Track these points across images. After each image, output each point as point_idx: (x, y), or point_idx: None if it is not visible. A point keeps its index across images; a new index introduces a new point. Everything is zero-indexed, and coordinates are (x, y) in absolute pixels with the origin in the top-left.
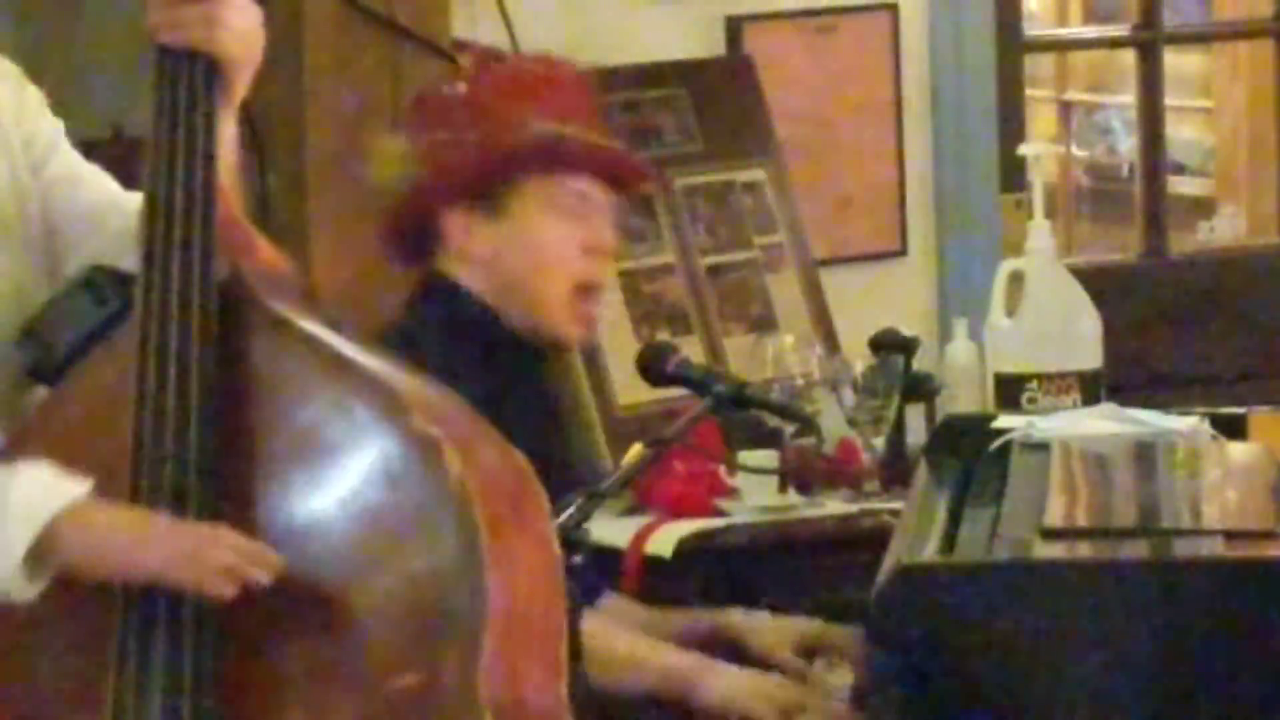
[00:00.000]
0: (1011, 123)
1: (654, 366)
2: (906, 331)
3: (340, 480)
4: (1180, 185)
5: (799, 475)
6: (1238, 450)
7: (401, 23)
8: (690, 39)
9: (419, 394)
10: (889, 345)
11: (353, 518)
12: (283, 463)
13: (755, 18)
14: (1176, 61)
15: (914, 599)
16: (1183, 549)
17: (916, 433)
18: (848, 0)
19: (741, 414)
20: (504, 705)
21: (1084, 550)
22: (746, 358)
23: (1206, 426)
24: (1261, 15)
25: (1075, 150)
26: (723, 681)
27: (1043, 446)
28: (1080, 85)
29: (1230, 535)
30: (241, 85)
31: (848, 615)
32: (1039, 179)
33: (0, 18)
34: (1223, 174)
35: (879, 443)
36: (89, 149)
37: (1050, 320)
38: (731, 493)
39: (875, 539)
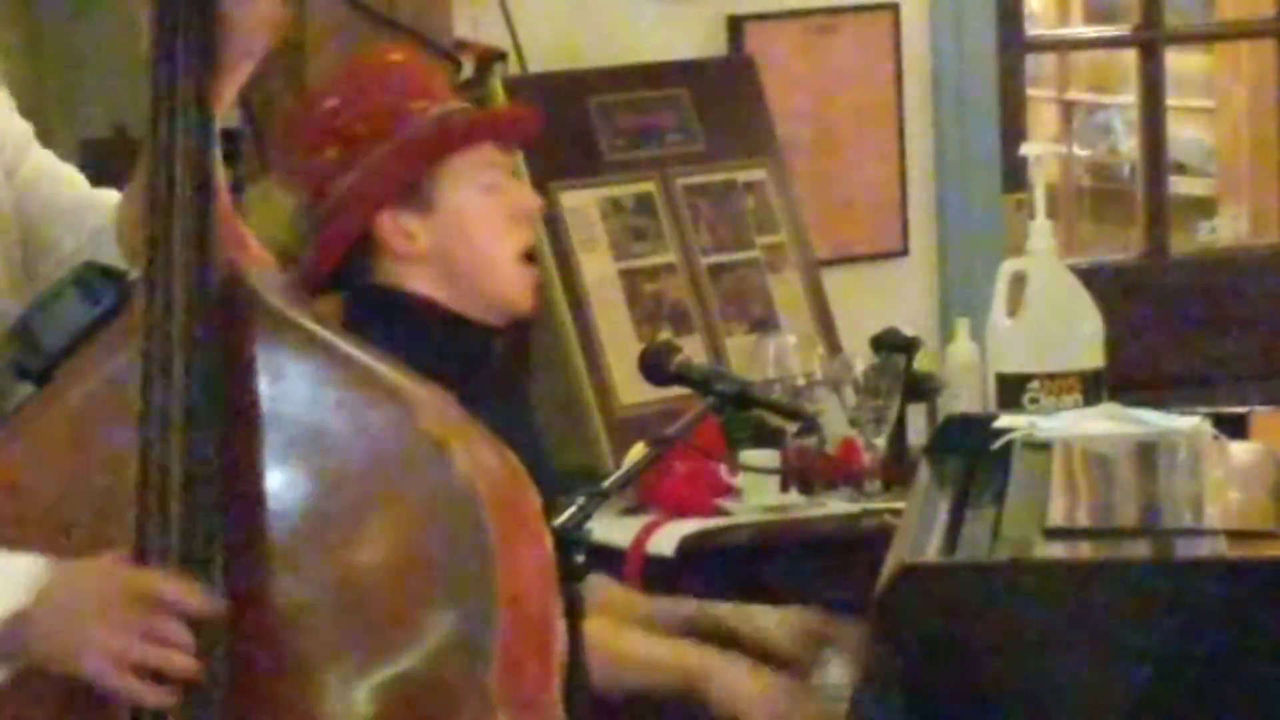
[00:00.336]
0: (1013, 123)
1: (656, 366)
2: (908, 331)
3: (349, 481)
4: (1182, 185)
5: (800, 475)
6: (1240, 450)
7: (403, 23)
8: (692, 39)
9: (421, 392)
10: (890, 345)
11: (362, 519)
12: (289, 463)
13: (757, 17)
14: (1178, 61)
15: (916, 599)
16: (1185, 549)
17: (918, 432)
18: (849, 0)
19: (743, 413)
20: (512, 702)
21: (1086, 550)
22: (748, 357)
23: (1208, 426)
24: (1263, 15)
25: (1077, 150)
26: (730, 681)
27: (1044, 446)
28: (1082, 85)
29: (1232, 535)
30: (238, 78)
31: (849, 615)
32: (1040, 179)
33: (3, 19)
34: (1224, 174)
35: (880, 442)
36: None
37: (1052, 320)
38: (733, 492)
39: (877, 539)
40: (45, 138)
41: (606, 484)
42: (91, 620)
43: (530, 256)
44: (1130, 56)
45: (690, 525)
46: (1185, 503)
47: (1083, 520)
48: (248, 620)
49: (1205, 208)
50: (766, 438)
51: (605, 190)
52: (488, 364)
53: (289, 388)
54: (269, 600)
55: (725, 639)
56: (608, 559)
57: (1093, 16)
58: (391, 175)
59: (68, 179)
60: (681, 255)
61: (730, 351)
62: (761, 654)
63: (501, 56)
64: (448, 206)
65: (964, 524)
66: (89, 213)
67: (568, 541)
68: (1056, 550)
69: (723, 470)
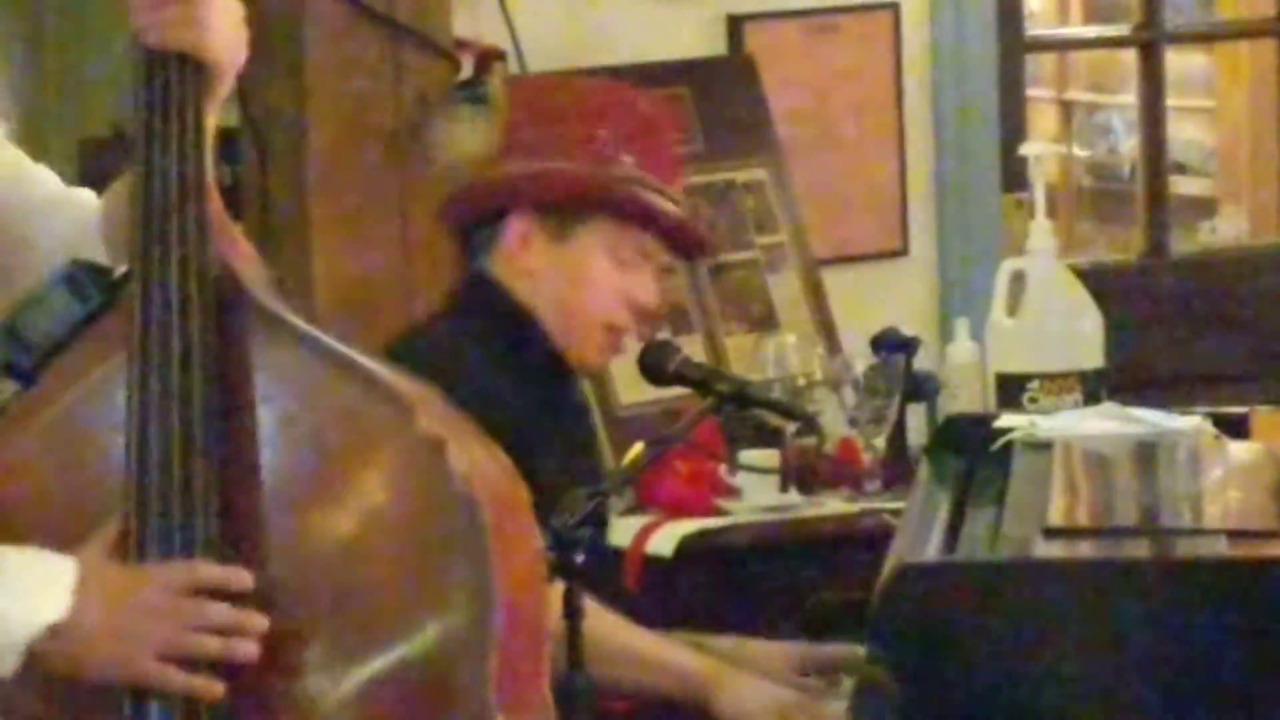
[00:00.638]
0: (1013, 122)
1: (655, 366)
2: (908, 331)
3: (345, 481)
4: (1182, 185)
5: (800, 475)
6: (1240, 450)
7: (402, 22)
8: (691, 38)
9: (416, 392)
10: (890, 345)
11: (359, 520)
12: (284, 462)
13: (756, 17)
14: (1178, 61)
15: (916, 598)
16: (1185, 548)
17: (918, 432)
18: (849, 0)
19: (743, 413)
20: (508, 704)
21: (1086, 550)
22: (748, 357)
23: (1208, 426)
24: (1263, 15)
25: (1077, 150)
26: (739, 692)
27: (1044, 446)
28: (1081, 85)
29: (1232, 535)
30: (226, 83)
31: (849, 615)
32: (1040, 179)
33: (3, 19)
34: (1224, 174)
35: (880, 442)
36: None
37: (1051, 320)
38: (733, 492)
39: (876, 538)
40: (45, 137)
41: (606, 484)
42: (136, 622)
43: (620, 331)
44: (1130, 56)
45: (689, 525)
46: (1185, 502)
47: (1082, 520)
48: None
49: (1205, 207)
50: (766, 438)
51: None
52: (561, 387)
53: (284, 387)
54: (265, 599)
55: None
56: (607, 559)
57: (1092, 16)
58: (548, 191)
59: (40, 176)
60: None
61: (730, 351)
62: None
63: (501, 56)
64: (577, 249)
65: (964, 524)
66: (65, 208)
67: (567, 541)
68: (1056, 550)
69: (722, 470)
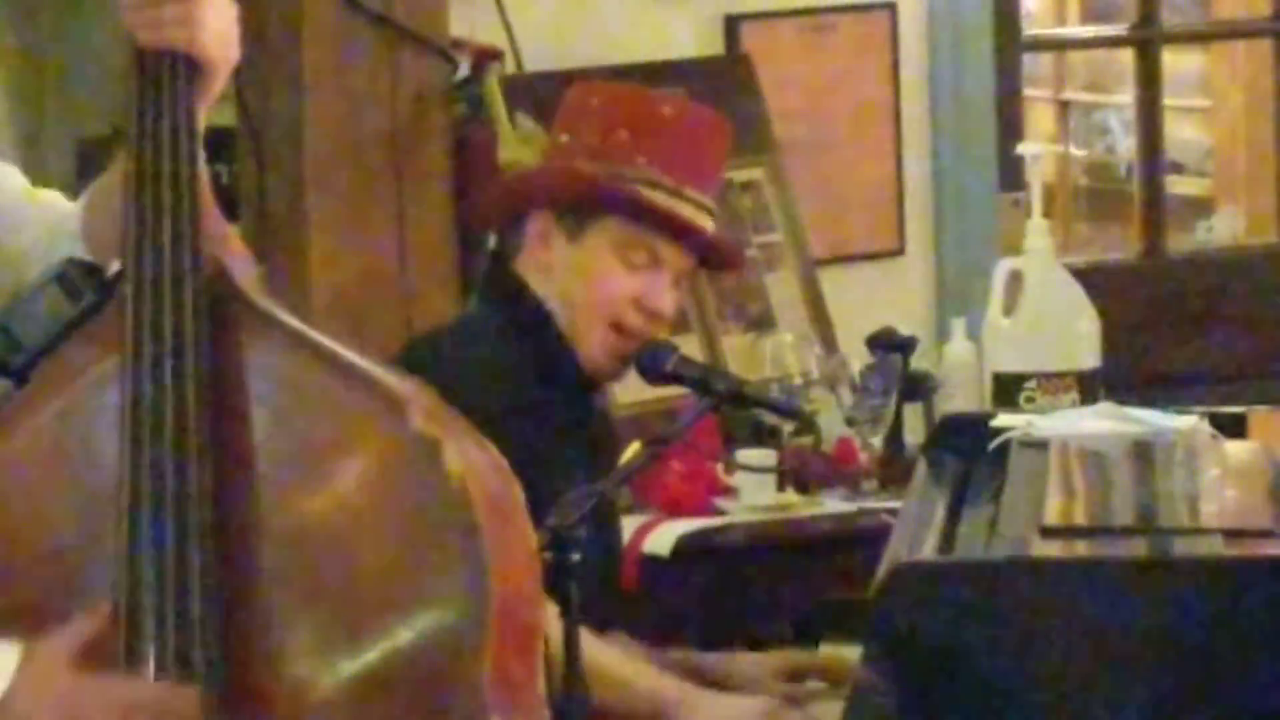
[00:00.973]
0: (1010, 122)
1: (652, 365)
2: (904, 330)
3: (339, 480)
4: (1178, 185)
5: (797, 474)
6: (1236, 449)
7: (399, 22)
8: (688, 38)
9: (410, 391)
10: (887, 344)
11: (352, 520)
12: (281, 466)
13: (753, 16)
14: (1175, 61)
15: (912, 598)
16: (1181, 548)
17: (914, 432)
18: (846, 0)
19: (740, 413)
20: (502, 704)
21: (1082, 549)
22: (745, 357)
23: (1205, 425)
24: (1260, 15)
25: (1073, 150)
26: (709, 711)
27: (1041, 445)
28: (1078, 85)
29: (1229, 534)
30: (219, 82)
31: (846, 615)
32: (1037, 178)
33: (1, 19)
34: (1221, 174)
35: (877, 442)
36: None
37: (1048, 319)
38: (729, 491)
39: (873, 538)
40: (43, 137)
41: (603, 483)
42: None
43: (628, 333)
44: (1127, 56)
45: (687, 524)
46: (1182, 502)
47: (1079, 519)
48: (236, 619)
49: (1202, 207)
50: (763, 437)
51: None
52: (577, 387)
53: (276, 386)
54: (256, 598)
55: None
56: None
57: (1089, 16)
58: (563, 190)
59: (11, 178)
60: None
61: (727, 351)
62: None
63: (497, 56)
64: (589, 248)
65: (961, 523)
66: (41, 207)
67: (564, 541)
68: (1053, 549)
69: (719, 469)
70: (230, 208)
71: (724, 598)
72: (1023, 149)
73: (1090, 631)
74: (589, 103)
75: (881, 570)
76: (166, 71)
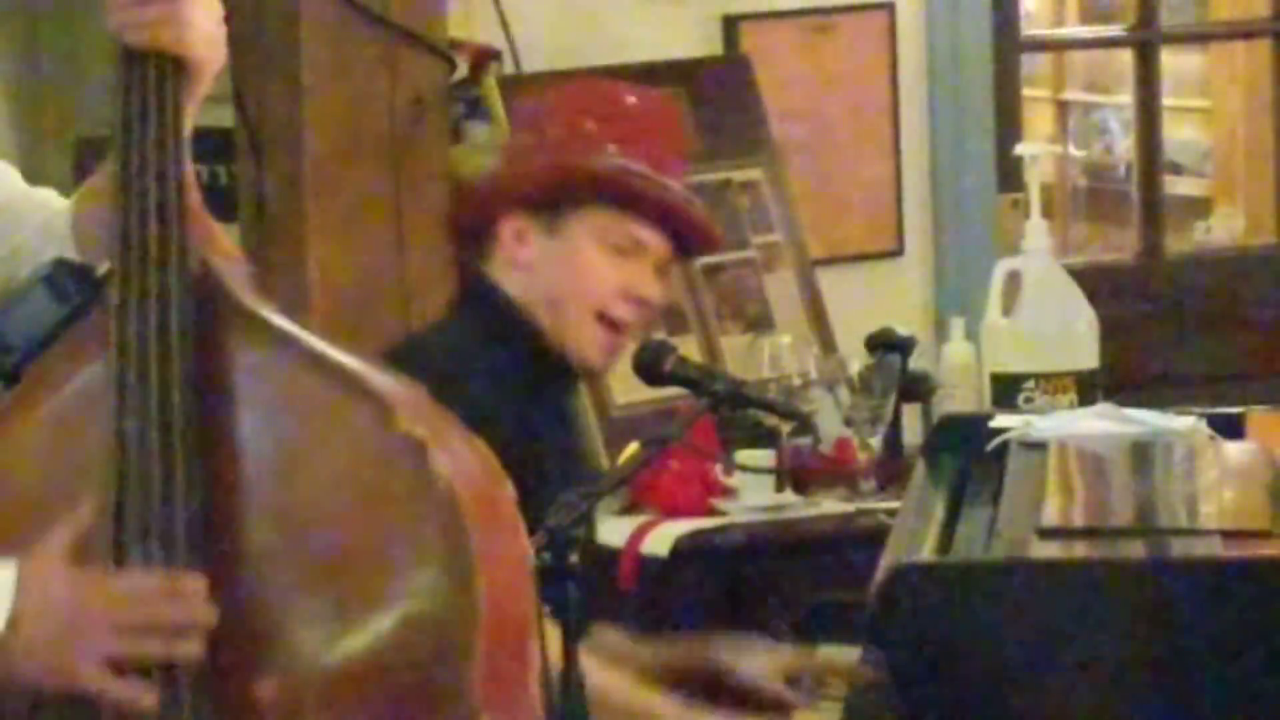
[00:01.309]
0: (1008, 122)
1: (651, 365)
2: (903, 331)
3: (326, 482)
4: (1177, 185)
5: (796, 475)
6: (1235, 450)
7: (397, 22)
8: (687, 38)
9: (398, 392)
10: (886, 345)
11: (341, 521)
12: (265, 464)
13: (752, 17)
14: (1173, 61)
15: (911, 599)
16: (1180, 549)
17: (913, 432)
18: (845, 0)
19: (738, 413)
20: (494, 704)
21: (1081, 550)
22: (743, 357)
23: (1204, 426)
24: (1259, 15)
25: (1072, 150)
26: None
27: (1039, 446)
28: (1077, 85)
29: (1227, 535)
30: (205, 82)
31: (845, 615)
32: (1036, 179)
33: (0, 18)
34: (1219, 174)
35: (876, 442)
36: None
37: (1047, 320)
38: (728, 492)
39: (872, 538)
40: (42, 136)
41: (601, 484)
42: (77, 630)
43: (617, 325)
44: (1126, 56)
45: (685, 525)
46: (1180, 503)
47: (1078, 520)
48: (225, 623)
49: (1200, 208)
50: (762, 437)
51: None
52: (558, 387)
53: (263, 386)
54: (242, 595)
55: (713, 679)
56: (602, 559)
57: (1088, 16)
58: (535, 185)
59: (5, 180)
60: None
61: (725, 351)
62: (751, 693)
63: (496, 56)
64: (571, 240)
65: (959, 524)
66: (29, 207)
67: (562, 541)
68: (1051, 550)
69: (718, 470)
70: (229, 208)
71: (722, 598)
72: (1021, 149)
73: (1089, 632)
74: (548, 101)
75: (880, 571)
76: (153, 72)
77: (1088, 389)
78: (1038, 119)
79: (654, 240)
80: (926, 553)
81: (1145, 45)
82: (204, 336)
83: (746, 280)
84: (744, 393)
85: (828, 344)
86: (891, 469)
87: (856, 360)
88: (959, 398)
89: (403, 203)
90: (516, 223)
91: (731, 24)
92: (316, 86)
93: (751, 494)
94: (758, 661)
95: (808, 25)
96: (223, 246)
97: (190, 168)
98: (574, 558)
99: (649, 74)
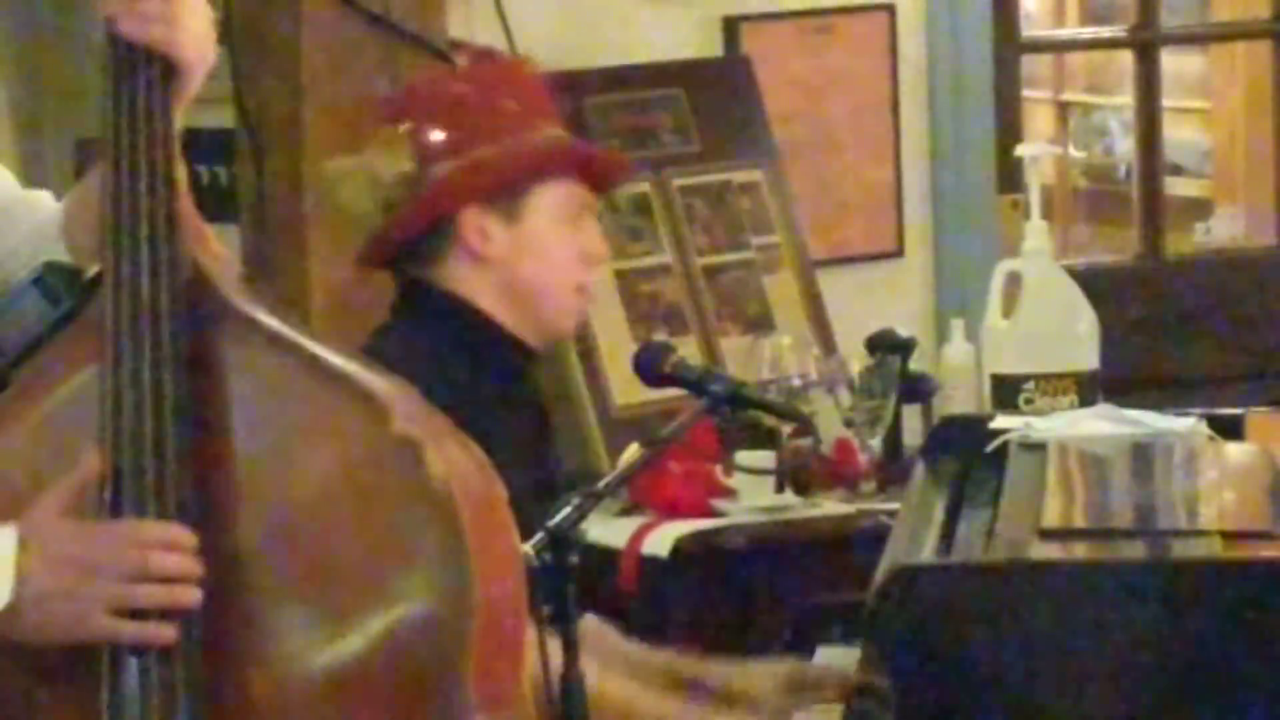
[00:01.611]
0: (1008, 123)
1: (651, 367)
2: (903, 332)
3: (321, 484)
4: (1177, 186)
5: (796, 476)
6: (1235, 451)
7: (397, 22)
8: (687, 39)
9: (392, 392)
10: (886, 346)
11: (335, 522)
12: (258, 466)
13: (753, 18)
14: (1174, 62)
15: (911, 599)
16: (1180, 550)
17: (913, 433)
18: (845, 1)
19: (738, 414)
20: (485, 701)
21: (1081, 551)
22: (743, 358)
23: (1203, 427)
24: (1259, 16)
25: (1072, 151)
26: None
27: (1040, 447)
28: (1077, 86)
29: (1227, 536)
30: (195, 84)
31: (845, 616)
32: (1036, 180)
33: (0, 18)
34: (1220, 175)
35: (876, 443)
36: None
37: (1047, 321)
38: (728, 493)
39: (872, 539)
40: (42, 137)
41: (601, 485)
42: (83, 581)
43: (587, 290)
44: (1126, 57)
45: (685, 526)
46: (1180, 504)
47: (1078, 521)
48: (220, 623)
49: (1201, 209)
50: (762, 439)
51: None
52: (520, 382)
53: (256, 388)
54: (235, 593)
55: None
56: (602, 560)
57: (1088, 17)
58: (496, 176)
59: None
60: (677, 256)
61: (725, 352)
62: (747, 706)
63: (489, 54)
64: (533, 224)
65: (959, 525)
66: (21, 210)
67: (561, 542)
68: (1051, 551)
69: (718, 471)
70: (229, 208)
71: (722, 599)
72: (1021, 150)
73: (1089, 633)
74: (446, 96)
75: (880, 572)
76: (142, 73)
77: (1088, 390)
78: (1038, 120)
79: (589, 196)
80: (926, 554)
81: (1145, 46)
82: (195, 338)
83: (747, 281)
84: (744, 394)
85: (828, 345)
86: (891, 470)
87: (857, 361)
88: (959, 399)
89: None
90: (476, 218)
91: (732, 25)
92: (316, 87)
93: (751, 495)
94: (752, 678)
95: (808, 26)
96: (213, 248)
97: (181, 169)
98: (573, 559)
99: (649, 74)
